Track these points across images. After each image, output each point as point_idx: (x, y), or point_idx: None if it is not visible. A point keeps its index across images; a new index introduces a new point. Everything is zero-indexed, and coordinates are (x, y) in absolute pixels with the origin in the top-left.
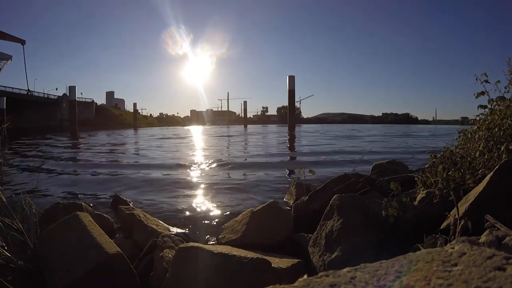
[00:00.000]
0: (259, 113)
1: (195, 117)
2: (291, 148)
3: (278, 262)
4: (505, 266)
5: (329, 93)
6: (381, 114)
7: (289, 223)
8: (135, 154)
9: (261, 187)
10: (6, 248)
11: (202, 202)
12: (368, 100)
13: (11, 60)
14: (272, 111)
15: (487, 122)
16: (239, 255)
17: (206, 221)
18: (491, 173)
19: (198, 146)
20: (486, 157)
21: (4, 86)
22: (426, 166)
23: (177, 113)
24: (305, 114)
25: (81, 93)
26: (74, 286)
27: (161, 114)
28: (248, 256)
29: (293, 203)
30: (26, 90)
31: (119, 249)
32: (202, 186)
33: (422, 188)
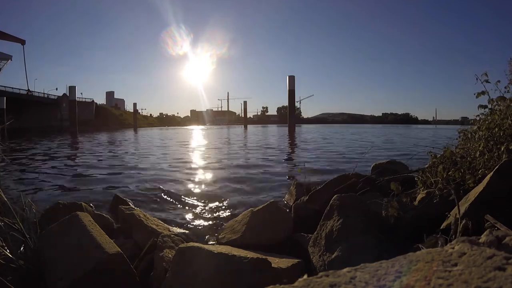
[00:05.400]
0: (259, 113)
1: (195, 117)
2: None
3: (278, 262)
4: (505, 266)
5: (329, 93)
6: (381, 114)
7: (289, 223)
8: (135, 154)
9: (261, 187)
10: (6, 248)
11: (202, 202)
12: (368, 100)
13: (11, 60)
14: (272, 111)
15: (487, 122)
16: (239, 255)
17: (206, 221)
18: (491, 173)
19: None
20: (486, 157)
21: (4, 86)
22: (426, 166)
23: (177, 113)
24: (305, 114)
25: (81, 93)
26: (74, 286)
27: (161, 114)
28: (248, 256)
29: (293, 203)
30: (26, 90)
31: (119, 249)
32: (202, 186)
33: (422, 188)
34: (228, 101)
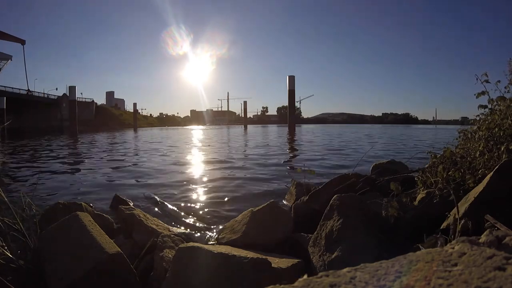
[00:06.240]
0: (259, 113)
1: (195, 117)
2: None
3: (278, 262)
4: (505, 266)
5: (329, 93)
6: (381, 114)
7: (289, 223)
8: (135, 154)
9: (261, 187)
10: (6, 248)
11: (202, 203)
12: (368, 100)
13: (11, 60)
14: (272, 111)
15: (487, 122)
16: (239, 255)
17: (206, 221)
18: (491, 173)
19: None
20: (486, 157)
21: (4, 86)
22: (426, 166)
23: (177, 113)
24: (305, 114)
25: (81, 93)
26: (74, 286)
27: (161, 114)
28: (248, 256)
29: (293, 203)
30: (26, 90)
31: (119, 249)
32: (202, 186)
33: (422, 188)
34: (228, 101)
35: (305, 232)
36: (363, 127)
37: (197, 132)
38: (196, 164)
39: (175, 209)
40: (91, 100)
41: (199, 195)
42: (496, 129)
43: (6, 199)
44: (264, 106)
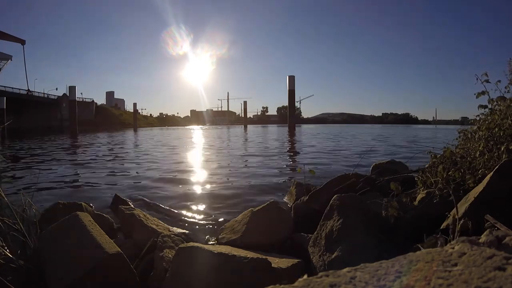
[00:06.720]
0: (259, 113)
1: (195, 117)
2: None
3: (278, 262)
4: (505, 266)
5: (329, 93)
6: (381, 114)
7: (289, 223)
8: (135, 154)
9: (261, 187)
10: (6, 248)
11: (202, 203)
12: (368, 100)
13: (11, 60)
14: (272, 111)
15: (487, 122)
16: (239, 255)
17: (206, 221)
18: (491, 173)
19: None
20: (486, 157)
21: (4, 86)
22: (426, 166)
23: (177, 113)
24: (305, 114)
25: (81, 93)
26: (74, 286)
27: (161, 114)
28: (248, 256)
29: (293, 203)
30: (26, 90)
31: (119, 249)
32: (203, 186)
33: (422, 188)
34: (228, 101)
35: (305, 232)
36: (364, 127)
37: (197, 132)
38: (196, 164)
39: (175, 209)
40: (91, 100)
41: (199, 195)
42: (496, 129)
43: (6, 199)
44: (264, 106)
